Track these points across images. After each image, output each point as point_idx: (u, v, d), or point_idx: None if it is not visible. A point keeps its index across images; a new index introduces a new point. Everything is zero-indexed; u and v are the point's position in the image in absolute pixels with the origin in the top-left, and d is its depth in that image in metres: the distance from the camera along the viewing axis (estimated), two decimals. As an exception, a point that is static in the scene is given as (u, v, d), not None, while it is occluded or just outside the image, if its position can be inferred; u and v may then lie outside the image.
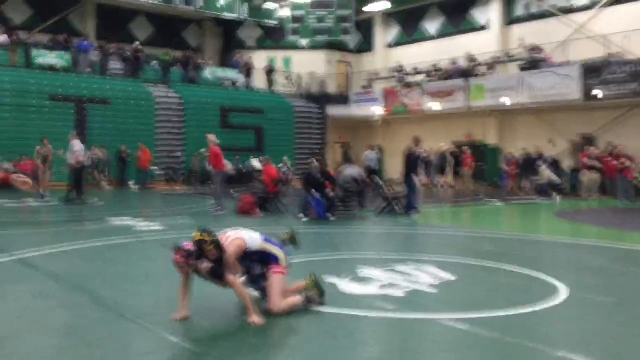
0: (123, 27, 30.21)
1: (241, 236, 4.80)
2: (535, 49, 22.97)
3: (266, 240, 4.93)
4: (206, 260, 4.55)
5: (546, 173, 19.44)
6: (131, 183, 22.35)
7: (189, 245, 4.55)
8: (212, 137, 13.49)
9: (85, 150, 15.73)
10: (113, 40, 27.17)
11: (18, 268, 6.69)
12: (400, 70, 28.26)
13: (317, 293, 5.06)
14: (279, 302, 4.73)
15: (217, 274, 4.57)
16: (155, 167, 23.72)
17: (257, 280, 4.92)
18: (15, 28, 25.27)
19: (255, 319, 4.49)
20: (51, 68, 23.76)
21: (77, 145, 14.96)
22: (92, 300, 5.19)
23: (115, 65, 26.19)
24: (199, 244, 4.55)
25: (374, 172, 18.99)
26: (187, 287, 4.68)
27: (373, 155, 19.99)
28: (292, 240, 5.42)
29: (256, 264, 4.87)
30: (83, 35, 26.17)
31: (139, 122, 23.92)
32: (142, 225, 10.69)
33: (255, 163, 24.57)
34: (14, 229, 10.24)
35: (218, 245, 4.59)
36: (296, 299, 4.89)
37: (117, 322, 4.58)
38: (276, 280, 4.80)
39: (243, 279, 4.91)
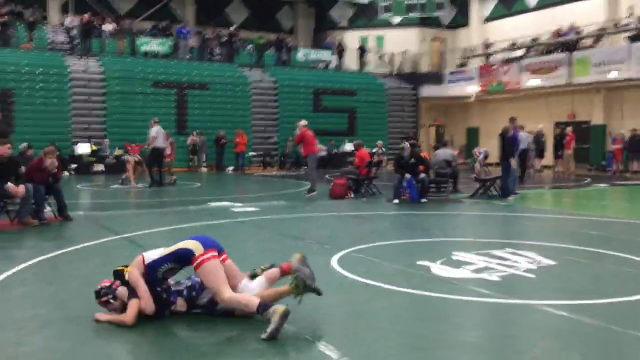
0: (220, 12, 31.13)
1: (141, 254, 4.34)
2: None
3: (172, 245, 4.29)
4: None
5: None
6: (229, 167, 23.10)
7: (102, 283, 4.34)
8: (301, 123, 13.65)
9: (164, 136, 15.84)
10: (210, 26, 28.07)
11: (126, 246, 7.15)
12: (494, 45, 27.08)
13: (300, 297, 4.15)
14: (223, 290, 4.01)
15: (133, 295, 4.14)
16: (253, 152, 24.35)
17: (194, 301, 4.33)
18: (121, 17, 26.72)
19: (102, 317, 4.16)
20: (154, 55, 24.92)
21: (153, 131, 15.46)
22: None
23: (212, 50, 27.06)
24: (116, 275, 4.38)
25: (524, 154, 17.80)
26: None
27: (524, 135, 18.18)
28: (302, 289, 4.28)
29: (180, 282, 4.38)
30: (182, 22, 27.21)
31: (236, 106, 24.62)
32: (238, 207, 11.06)
33: (348, 145, 24.62)
34: (122, 211, 10.94)
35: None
36: (247, 299, 4.02)
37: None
38: (204, 269, 4.06)
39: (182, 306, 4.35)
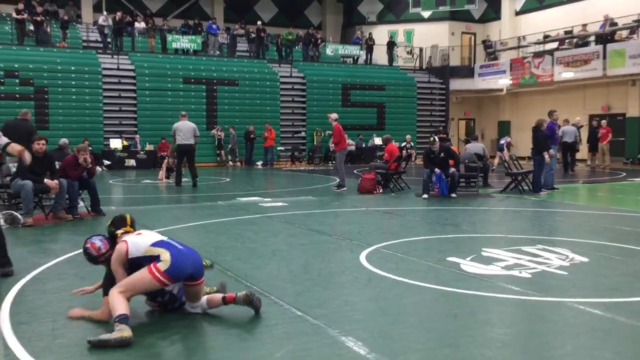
0: (248, 8, 31.27)
1: (126, 239, 4.14)
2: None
3: (157, 244, 4.09)
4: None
5: None
6: (257, 162, 23.26)
7: (94, 244, 4.30)
8: (333, 116, 13.68)
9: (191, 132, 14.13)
10: (239, 22, 28.23)
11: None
12: (526, 38, 26.65)
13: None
14: (113, 295, 3.89)
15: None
16: (281, 147, 24.46)
17: (170, 303, 4.30)
18: (151, 15, 27.07)
19: (75, 313, 4.17)
20: (185, 52, 25.16)
21: (175, 126, 14.14)
22: (224, 274, 5.49)
23: (241, 46, 27.23)
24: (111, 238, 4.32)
25: (571, 147, 17.76)
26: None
27: (572, 129, 18.14)
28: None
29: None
30: (211, 19, 27.42)
31: (265, 102, 24.72)
32: (267, 202, 11.12)
33: (377, 140, 24.58)
34: (153, 206, 11.09)
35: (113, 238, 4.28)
36: (116, 305, 3.82)
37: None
38: (138, 275, 3.96)
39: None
